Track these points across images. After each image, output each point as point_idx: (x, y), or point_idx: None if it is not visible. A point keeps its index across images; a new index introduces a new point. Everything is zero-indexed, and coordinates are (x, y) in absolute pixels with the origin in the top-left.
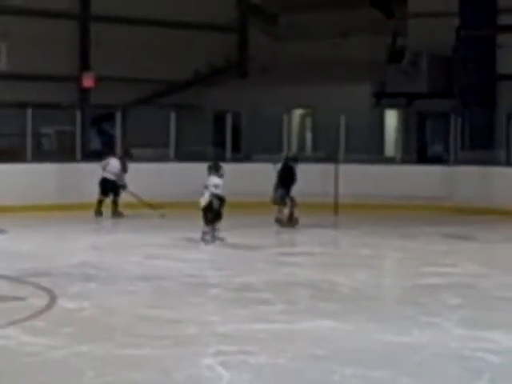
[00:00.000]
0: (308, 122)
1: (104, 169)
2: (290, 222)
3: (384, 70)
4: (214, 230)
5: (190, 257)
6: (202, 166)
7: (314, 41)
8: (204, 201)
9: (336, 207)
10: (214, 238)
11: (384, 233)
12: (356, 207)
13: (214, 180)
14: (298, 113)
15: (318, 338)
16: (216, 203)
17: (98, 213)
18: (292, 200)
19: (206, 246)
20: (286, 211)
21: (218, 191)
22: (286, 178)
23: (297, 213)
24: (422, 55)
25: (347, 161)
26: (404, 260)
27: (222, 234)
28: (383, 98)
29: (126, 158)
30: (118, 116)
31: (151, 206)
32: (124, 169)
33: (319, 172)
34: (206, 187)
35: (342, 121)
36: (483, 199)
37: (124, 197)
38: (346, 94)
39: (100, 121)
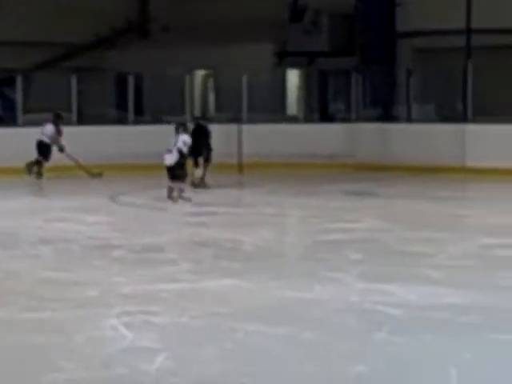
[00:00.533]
0: (210, 82)
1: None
2: (203, 183)
3: (285, 29)
4: (180, 189)
5: (94, 219)
6: (105, 129)
7: (216, 1)
8: (172, 158)
9: (240, 167)
10: (181, 198)
11: (287, 191)
12: (260, 166)
13: (184, 137)
14: (200, 73)
15: (221, 297)
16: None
17: (34, 173)
18: (207, 161)
19: (174, 204)
20: (199, 172)
21: (185, 149)
22: (202, 138)
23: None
24: (322, 14)
25: (250, 121)
26: (307, 217)
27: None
28: (285, 58)
29: (58, 121)
30: (19, 80)
31: (85, 168)
32: (59, 132)
33: (223, 132)
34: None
35: (245, 81)
36: (384, 156)
37: (62, 159)
38: (247, 54)
39: (0, 85)
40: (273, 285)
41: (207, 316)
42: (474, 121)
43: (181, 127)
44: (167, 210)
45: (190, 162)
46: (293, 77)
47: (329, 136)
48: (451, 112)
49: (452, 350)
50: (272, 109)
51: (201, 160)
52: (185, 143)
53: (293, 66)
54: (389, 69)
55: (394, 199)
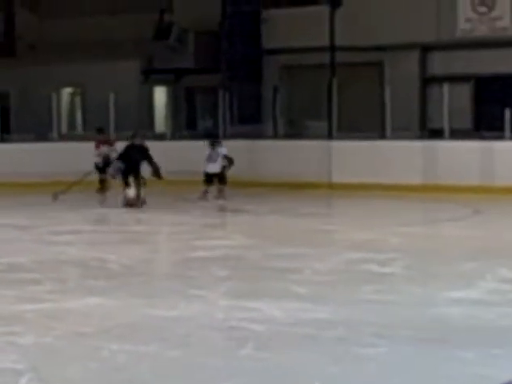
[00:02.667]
0: (77, 100)
1: None
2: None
3: (151, 46)
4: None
5: None
6: None
7: (82, 19)
8: (217, 166)
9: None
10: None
11: (156, 208)
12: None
13: (224, 149)
14: (67, 91)
15: (85, 316)
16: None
17: None
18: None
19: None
20: (132, 191)
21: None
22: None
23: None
24: (188, 31)
25: (117, 138)
26: (175, 234)
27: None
28: (151, 75)
29: None
30: None
31: None
32: None
33: (90, 150)
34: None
35: (111, 98)
36: (252, 172)
37: None
38: (114, 72)
39: None
40: (138, 303)
41: (72, 335)
42: (339, 137)
43: (216, 142)
44: (30, 228)
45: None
46: (160, 94)
47: (195, 153)
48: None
49: (317, 365)
50: (140, 126)
51: (131, 179)
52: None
53: (159, 83)
54: (255, 85)
55: (261, 216)
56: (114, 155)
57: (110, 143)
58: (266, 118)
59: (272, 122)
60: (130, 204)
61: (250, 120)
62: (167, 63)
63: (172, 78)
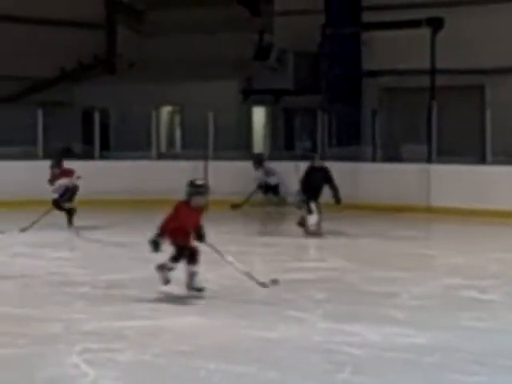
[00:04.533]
0: (176, 119)
1: None
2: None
3: (251, 67)
4: None
5: (57, 255)
6: (71, 164)
7: (182, 38)
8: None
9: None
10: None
11: (252, 229)
12: (226, 203)
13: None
14: (166, 110)
15: (183, 334)
16: None
17: None
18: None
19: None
20: (314, 218)
21: None
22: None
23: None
24: (288, 52)
25: (216, 157)
26: (271, 256)
27: None
28: (250, 95)
29: None
30: None
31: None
32: None
33: (189, 169)
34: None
35: (210, 118)
36: (350, 195)
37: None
38: (213, 91)
39: None
40: (236, 323)
41: (170, 354)
42: (438, 161)
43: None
44: (132, 246)
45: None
46: (258, 114)
47: (295, 174)
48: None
49: None
50: (238, 146)
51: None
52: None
53: (258, 103)
54: (355, 107)
55: (358, 238)
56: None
57: (68, 174)
58: (364, 141)
59: (371, 144)
60: (312, 232)
61: (349, 142)
62: (266, 84)
63: (271, 98)
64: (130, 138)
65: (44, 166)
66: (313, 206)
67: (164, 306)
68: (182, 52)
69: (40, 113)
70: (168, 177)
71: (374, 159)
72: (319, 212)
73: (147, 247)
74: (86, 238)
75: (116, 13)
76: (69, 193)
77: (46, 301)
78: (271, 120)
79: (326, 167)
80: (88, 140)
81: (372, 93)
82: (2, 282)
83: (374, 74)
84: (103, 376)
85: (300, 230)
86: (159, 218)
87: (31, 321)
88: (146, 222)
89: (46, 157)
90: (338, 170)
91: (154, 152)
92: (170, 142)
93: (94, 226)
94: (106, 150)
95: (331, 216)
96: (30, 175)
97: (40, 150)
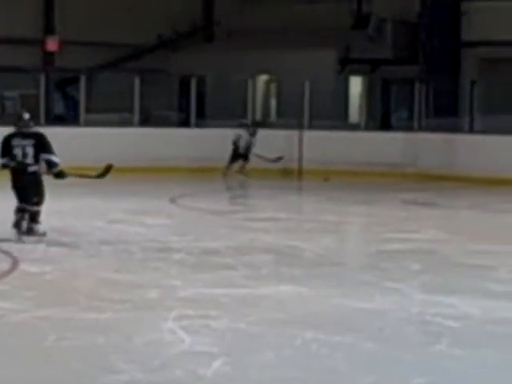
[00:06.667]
0: (273, 87)
1: None
2: None
3: (349, 36)
4: None
5: (154, 222)
6: (167, 131)
7: (279, 6)
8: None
9: (300, 173)
10: None
11: (347, 199)
12: (320, 173)
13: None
14: (262, 78)
15: (279, 303)
16: None
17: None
18: None
19: None
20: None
21: None
22: None
23: None
24: (386, 21)
25: (311, 127)
26: (367, 226)
27: None
28: (348, 65)
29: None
30: (82, 80)
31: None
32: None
33: (284, 138)
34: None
35: (307, 87)
36: (446, 166)
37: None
38: (310, 60)
39: (64, 85)
40: (332, 293)
41: (265, 322)
42: None
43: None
44: (227, 214)
45: None
46: (355, 84)
47: (390, 144)
48: None
49: None
50: (333, 116)
51: None
52: None
53: (355, 73)
54: (453, 78)
55: (455, 210)
56: None
57: None
58: (462, 112)
59: (469, 116)
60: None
61: (446, 113)
62: (364, 53)
63: (368, 68)
64: (225, 107)
65: (141, 134)
66: None
67: (259, 275)
68: (279, 21)
69: (137, 80)
70: (263, 145)
71: (471, 130)
72: None
73: (243, 215)
74: (181, 206)
75: None
76: None
77: (142, 267)
78: (368, 90)
79: None
80: (184, 108)
81: (471, 63)
82: (101, 247)
83: (473, 44)
84: (198, 342)
85: None
86: (256, 186)
87: (129, 287)
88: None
89: (142, 124)
90: (434, 140)
91: (249, 120)
92: (266, 111)
93: (190, 193)
94: (202, 118)
95: (427, 187)
96: (126, 142)
97: (136, 118)
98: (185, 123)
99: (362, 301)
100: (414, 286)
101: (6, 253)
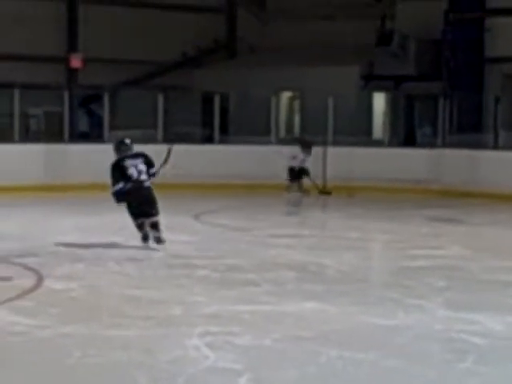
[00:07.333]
0: (296, 104)
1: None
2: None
3: (372, 52)
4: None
5: (178, 238)
6: (191, 148)
7: (303, 23)
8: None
9: (324, 189)
10: None
11: (371, 215)
12: (344, 190)
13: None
14: (286, 95)
15: (303, 320)
16: None
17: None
18: None
19: None
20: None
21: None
22: None
23: None
24: (410, 38)
25: (335, 143)
26: (390, 243)
27: None
28: (371, 81)
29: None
30: (106, 97)
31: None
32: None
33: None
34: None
35: (330, 103)
36: (470, 182)
37: None
38: (334, 77)
39: (88, 102)
40: (355, 310)
41: (289, 339)
42: None
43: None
44: (251, 230)
45: None
46: (379, 100)
47: (414, 161)
48: None
49: None
50: (357, 132)
51: None
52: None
53: (379, 89)
54: (477, 94)
55: (479, 226)
56: None
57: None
58: (486, 129)
59: (493, 132)
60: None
61: (470, 129)
62: (388, 70)
63: (392, 84)
64: (249, 123)
65: (164, 150)
66: None
67: (282, 291)
68: (302, 37)
69: (161, 97)
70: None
71: (495, 147)
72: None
73: (266, 232)
74: (205, 222)
75: None
76: None
77: (166, 283)
78: (391, 106)
79: None
80: (207, 124)
81: (495, 80)
82: (125, 264)
83: (496, 60)
84: (222, 358)
85: None
86: (278, 202)
87: (152, 303)
88: (266, 206)
89: (165, 141)
90: (458, 157)
91: (273, 137)
92: (289, 128)
93: (213, 209)
94: (225, 135)
95: (450, 203)
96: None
97: (160, 134)
98: (208, 139)
99: (385, 318)
100: (438, 302)
101: (32, 269)
